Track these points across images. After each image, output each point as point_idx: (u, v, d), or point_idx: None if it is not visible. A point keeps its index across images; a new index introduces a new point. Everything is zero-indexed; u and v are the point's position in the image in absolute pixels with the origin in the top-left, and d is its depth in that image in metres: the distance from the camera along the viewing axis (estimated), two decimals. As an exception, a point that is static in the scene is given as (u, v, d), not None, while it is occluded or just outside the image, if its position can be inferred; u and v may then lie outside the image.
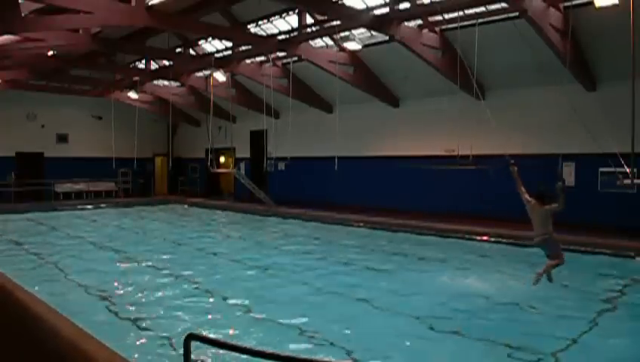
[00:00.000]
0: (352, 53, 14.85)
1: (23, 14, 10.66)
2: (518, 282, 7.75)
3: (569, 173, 12.68)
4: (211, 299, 6.83)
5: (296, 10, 13.89)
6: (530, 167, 9.36)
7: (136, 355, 4.63)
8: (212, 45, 17.64)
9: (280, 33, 14.83)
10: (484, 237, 11.17)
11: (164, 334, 5.32)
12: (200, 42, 17.64)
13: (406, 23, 12.27)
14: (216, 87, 17.58)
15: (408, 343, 5.22)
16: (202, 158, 24.07)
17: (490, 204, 13.80)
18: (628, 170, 7.32)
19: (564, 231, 10.60)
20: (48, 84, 20.52)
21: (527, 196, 7.05)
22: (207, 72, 18.26)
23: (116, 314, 6.14)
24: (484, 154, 12.70)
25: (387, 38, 13.04)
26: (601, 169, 11.82)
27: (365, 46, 14.23)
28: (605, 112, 11.52)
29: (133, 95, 21.10)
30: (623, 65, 8.67)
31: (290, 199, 18.37)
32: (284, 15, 14.46)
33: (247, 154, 22.40)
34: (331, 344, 5.08)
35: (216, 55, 16.91)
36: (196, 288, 7.36)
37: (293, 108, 16.34)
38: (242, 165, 22.31)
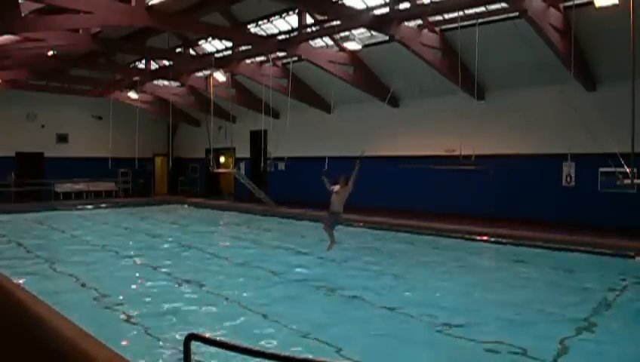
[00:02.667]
0: (352, 53, 14.86)
1: (23, 14, 10.65)
2: (515, 282, 7.75)
3: (564, 174, 12.70)
4: (212, 299, 6.82)
5: (296, 10, 13.89)
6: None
7: (136, 355, 4.63)
8: (212, 45, 17.64)
9: (280, 33, 14.83)
10: (484, 237, 11.17)
11: (164, 334, 5.32)
12: (200, 42, 17.64)
13: (406, 23, 12.27)
14: (216, 87, 17.58)
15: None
16: (202, 158, 24.08)
17: (491, 204, 13.82)
18: (628, 170, 7.33)
19: (565, 231, 10.70)
20: (48, 84, 20.52)
21: (331, 188, 9.88)
22: (207, 72, 18.26)
23: (116, 314, 6.13)
24: (484, 155, 12.72)
25: (387, 38, 13.04)
26: (601, 169, 11.83)
27: (365, 46, 14.23)
28: (605, 112, 11.53)
29: (133, 95, 21.10)
30: (623, 65, 8.68)
31: (290, 199, 18.37)
32: (284, 15, 14.45)
33: (247, 155, 22.40)
34: (329, 345, 5.08)
35: (216, 55, 16.90)
36: (196, 288, 7.36)
37: (292, 108, 16.34)
38: (242, 165, 22.31)
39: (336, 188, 9.85)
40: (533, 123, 13.34)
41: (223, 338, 3.02)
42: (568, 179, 12.27)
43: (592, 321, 5.76)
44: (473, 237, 11.23)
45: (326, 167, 10.76)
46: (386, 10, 12.18)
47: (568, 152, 11.27)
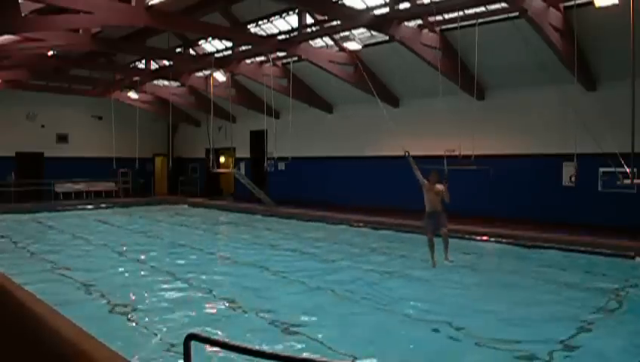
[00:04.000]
0: (352, 53, 14.85)
1: (23, 14, 10.66)
2: (514, 282, 7.75)
3: (569, 174, 12.67)
4: (212, 299, 6.82)
5: (297, 10, 13.90)
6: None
7: (136, 355, 4.63)
8: (212, 45, 17.64)
9: (280, 33, 14.83)
10: (484, 237, 11.17)
11: (164, 334, 5.32)
12: (200, 42, 17.64)
13: (406, 23, 12.27)
14: (216, 87, 17.58)
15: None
16: (202, 158, 24.09)
17: (490, 203, 13.82)
18: (628, 170, 7.32)
19: (565, 231, 10.70)
20: (48, 84, 20.51)
21: (422, 179, 8.78)
22: (207, 72, 18.26)
23: (116, 314, 6.14)
24: (484, 155, 12.71)
25: (387, 38, 13.05)
26: (601, 169, 11.82)
27: (365, 46, 14.23)
28: (605, 112, 11.52)
29: (133, 95, 21.10)
30: (623, 65, 8.67)
31: (290, 199, 18.37)
32: (284, 15, 14.46)
33: (247, 155, 22.40)
34: (328, 347, 5.08)
35: (216, 55, 16.91)
36: (196, 288, 7.36)
37: (293, 108, 16.34)
38: (242, 165, 22.31)
39: (427, 183, 8.59)
40: (533, 123, 13.33)
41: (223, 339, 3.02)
42: (572, 178, 12.20)
43: (592, 321, 5.76)
44: (473, 237, 11.23)
45: (406, 154, 9.44)
46: (386, 10, 12.18)
47: (575, 152, 11.19)
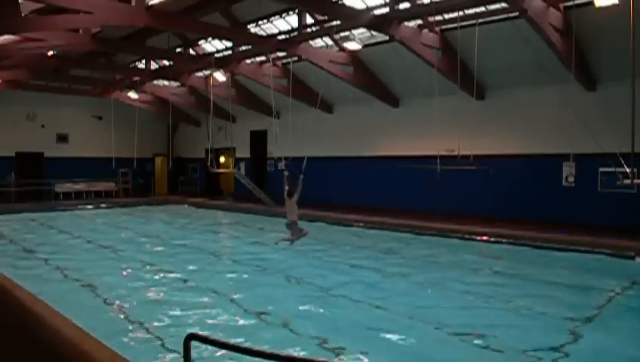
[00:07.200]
0: (352, 53, 14.86)
1: (23, 14, 10.66)
2: (516, 281, 7.75)
3: (569, 173, 12.68)
4: (212, 299, 6.82)
5: (297, 10, 13.89)
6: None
7: (136, 355, 4.63)
8: (212, 45, 17.64)
9: (280, 33, 14.83)
10: (484, 237, 11.16)
11: (164, 334, 5.32)
12: (200, 42, 17.64)
13: (406, 23, 12.27)
14: (216, 87, 17.57)
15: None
16: (202, 158, 24.08)
17: (490, 203, 13.83)
18: (628, 170, 7.32)
19: (565, 230, 10.71)
20: (48, 84, 20.51)
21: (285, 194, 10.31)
22: (207, 72, 18.25)
23: (116, 314, 6.14)
24: (484, 155, 12.72)
25: (387, 38, 13.05)
26: (601, 169, 11.82)
27: (365, 46, 14.23)
28: (605, 112, 11.53)
29: (133, 95, 21.11)
30: (623, 65, 8.68)
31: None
32: (284, 15, 14.46)
33: (247, 155, 22.40)
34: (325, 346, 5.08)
35: (216, 55, 16.90)
36: (196, 288, 7.36)
37: (293, 108, 16.33)
38: (242, 165, 22.31)
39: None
40: (533, 123, 13.33)
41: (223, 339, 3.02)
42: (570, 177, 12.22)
43: (592, 322, 5.76)
44: (473, 237, 11.22)
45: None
46: (386, 10, 12.18)
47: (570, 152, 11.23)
